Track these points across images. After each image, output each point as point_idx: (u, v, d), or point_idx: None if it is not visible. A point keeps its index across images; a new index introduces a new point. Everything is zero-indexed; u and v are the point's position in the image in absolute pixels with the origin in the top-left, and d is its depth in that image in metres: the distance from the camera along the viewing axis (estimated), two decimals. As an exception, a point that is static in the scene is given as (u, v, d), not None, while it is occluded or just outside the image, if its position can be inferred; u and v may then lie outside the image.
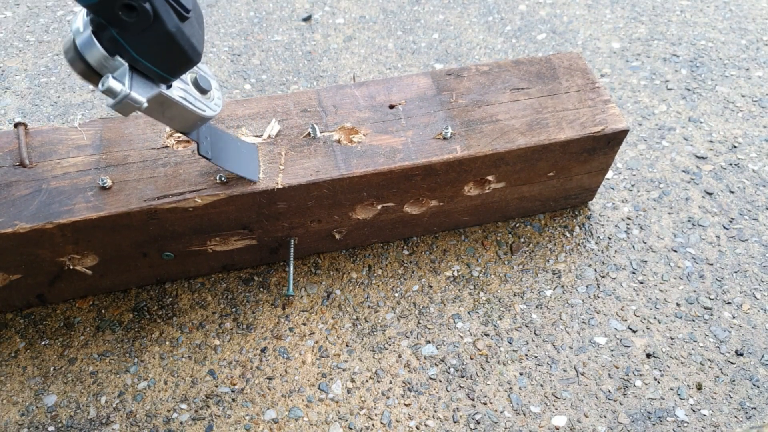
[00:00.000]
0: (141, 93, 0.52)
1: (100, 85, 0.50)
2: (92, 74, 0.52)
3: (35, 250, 0.66)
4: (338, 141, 0.72)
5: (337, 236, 0.77)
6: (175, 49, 0.50)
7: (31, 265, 0.68)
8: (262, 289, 0.80)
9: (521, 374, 0.70)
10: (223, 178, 0.67)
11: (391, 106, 0.76)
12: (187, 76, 0.59)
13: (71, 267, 0.70)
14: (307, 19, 1.32)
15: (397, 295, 0.79)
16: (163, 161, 0.70)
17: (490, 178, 0.76)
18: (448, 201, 0.77)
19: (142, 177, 0.68)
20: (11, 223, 0.63)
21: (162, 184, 0.67)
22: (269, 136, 0.73)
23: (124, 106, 0.52)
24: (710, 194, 0.90)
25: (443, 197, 0.76)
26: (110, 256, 0.70)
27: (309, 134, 0.73)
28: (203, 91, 0.59)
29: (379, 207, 0.75)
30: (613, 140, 0.76)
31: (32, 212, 0.64)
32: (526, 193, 0.80)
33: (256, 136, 0.72)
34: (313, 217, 0.73)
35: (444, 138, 0.72)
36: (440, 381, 0.70)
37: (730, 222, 0.86)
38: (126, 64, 0.51)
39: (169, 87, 0.55)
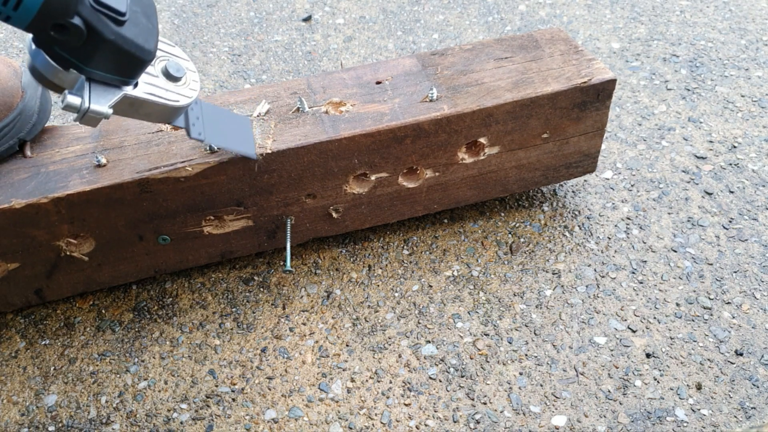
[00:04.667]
0: (103, 102, 0.51)
1: (60, 103, 0.50)
2: (59, 88, 0.51)
3: (31, 231, 0.67)
4: (326, 112, 0.74)
5: (335, 215, 0.77)
6: (122, 54, 0.49)
7: (28, 251, 0.68)
8: (262, 289, 0.80)
9: (521, 374, 0.70)
10: (213, 147, 0.68)
11: (378, 82, 0.78)
12: (157, 66, 0.57)
13: (68, 254, 0.70)
14: (307, 19, 1.32)
15: (397, 295, 0.79)
16: (157, 142, 0.71)
17: (482, 140, 0.76)
18: (444, 170, 0.78)
19: (136, 155, 0.69)
20: (7, 200, 0.64)
21: (155, 158, 0.68)
22: (259, 114, 0.74)
23: (88, 119, 0.51)
24: (710, 194, 0.90)
25: (437, 165, 0.77)
26: (106, 239, 0.70)
27: (298, 109, 0.74)
28: (175, 79, 0.57)
29: (373, 178, 0.75)
30: (603, 92, 0.77)
31: (29, 191, 0.65)
32: (524, 160, 0.80)
33: (247, 115, 0.74)
34: (306, 191, 0.74)
35: (430, 100, 0.74)
36: (440, 381, 0.70)
37: (730, 222, 0.86)
38: (82, 76, 0.50)
39: (135, 86, 0.54)
